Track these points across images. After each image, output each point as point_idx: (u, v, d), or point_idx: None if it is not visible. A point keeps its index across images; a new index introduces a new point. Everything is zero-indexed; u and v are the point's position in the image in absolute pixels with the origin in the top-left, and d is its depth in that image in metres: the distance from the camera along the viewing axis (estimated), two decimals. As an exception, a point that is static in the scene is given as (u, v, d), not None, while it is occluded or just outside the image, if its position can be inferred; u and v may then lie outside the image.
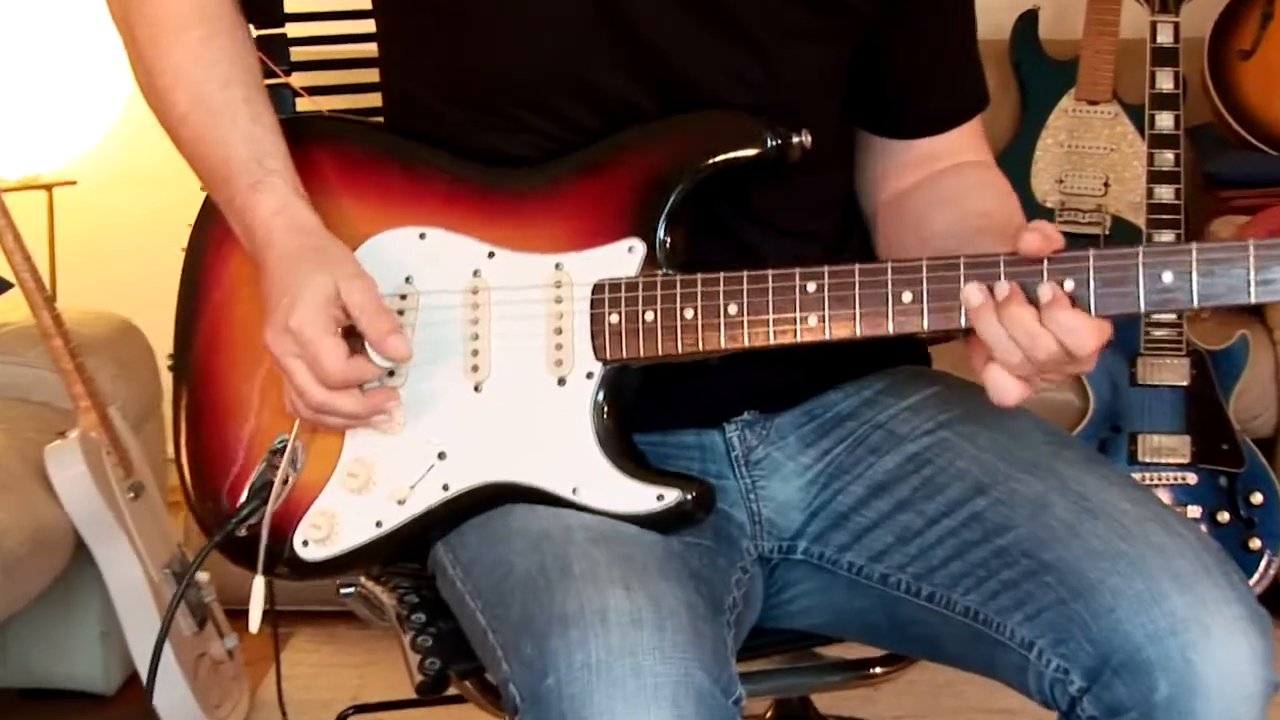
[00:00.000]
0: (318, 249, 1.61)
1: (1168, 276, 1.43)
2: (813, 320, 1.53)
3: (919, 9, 1.72)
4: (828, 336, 1.52)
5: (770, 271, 1.54)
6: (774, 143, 1.59)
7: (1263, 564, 3.23)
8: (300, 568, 1.66)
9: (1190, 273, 1.43)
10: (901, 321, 1.50)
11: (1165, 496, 3.20)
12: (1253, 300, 1.41)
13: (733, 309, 1.54)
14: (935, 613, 1.61)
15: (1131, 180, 3.65)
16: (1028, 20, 3.84)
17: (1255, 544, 3.24)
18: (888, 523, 1.65)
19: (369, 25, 1.97)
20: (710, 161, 1.60)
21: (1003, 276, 1.47)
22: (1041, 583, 1.51)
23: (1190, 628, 1.43)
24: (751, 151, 1.59)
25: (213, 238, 1.75)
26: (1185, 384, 3.27)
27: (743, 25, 1.63)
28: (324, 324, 1.56)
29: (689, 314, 1.56)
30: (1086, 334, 1.45)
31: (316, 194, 1.67)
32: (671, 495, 1.56)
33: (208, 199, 1.74)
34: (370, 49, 1.84)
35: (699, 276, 1.56)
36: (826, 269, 1.52)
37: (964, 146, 1.79)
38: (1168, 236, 3.21)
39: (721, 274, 1.55)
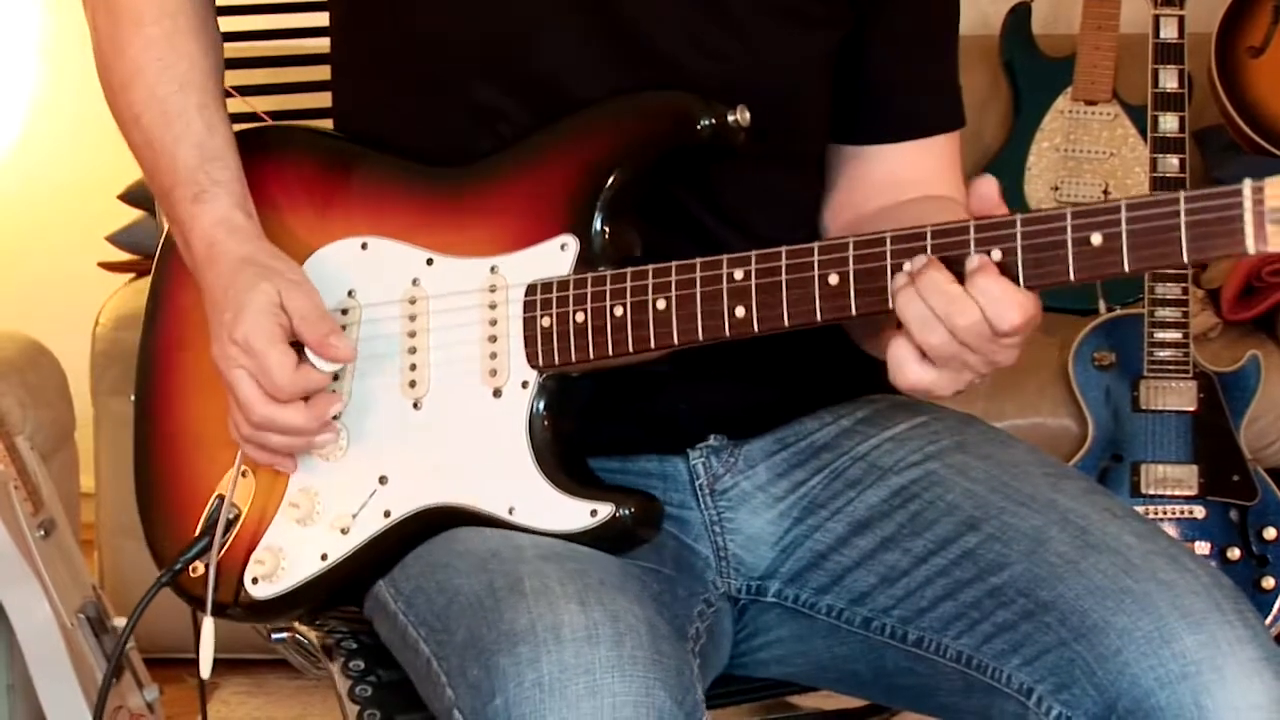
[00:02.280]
0: (256, 261, 1.63)
1: (1096, 239, 1.40)
2: (740, 311, 1.52)
3: (902, 4, 1.73)
4: (756, 329, 1.51)
5: (698, 260, 1.53)
6: (708, 121, 1.58)
7: (1277, 604, 3.23)
8: (253, 607, 1.69)
9: (1120, 234, 1.40)
10: (830, 307, 1.49)
11: (1171, 531, 3.20)
12: (1186, 259, 1.38)
13: (661, 304, 1.54)
14: (924, 659, 1.61)
15: (1133, 187, 3.66)
16: (1020, 14, 3.83)
17: (1269, 583, 3.23)
18: (870, 562, 1.65)
19: (305, 19, 1.97)
20: (642, 148, 1.61)
21: (929, 249, 1.46)
22: (1040, 623, 1.51)
23: (1203, 670, 1.43)
24: (684, 132, 1.59)
25: (174, 262, 1.76)
26: (1192, 409, 3.27)
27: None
28: (271, 333, 1.58)
29: (619, 312, 1.56)
30: (1008, 303, 1.42)
31: (263, 209, 1.69)
32: (605, 510, 1.56)
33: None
34: (305, 45, 1.83)
35: (628, 271, 1.56)
36: (754, 253, 1.52)
37: (936, 178, 1.77)
38: (1172, 248, 3.21)
39: (651, 266, 1.55)
